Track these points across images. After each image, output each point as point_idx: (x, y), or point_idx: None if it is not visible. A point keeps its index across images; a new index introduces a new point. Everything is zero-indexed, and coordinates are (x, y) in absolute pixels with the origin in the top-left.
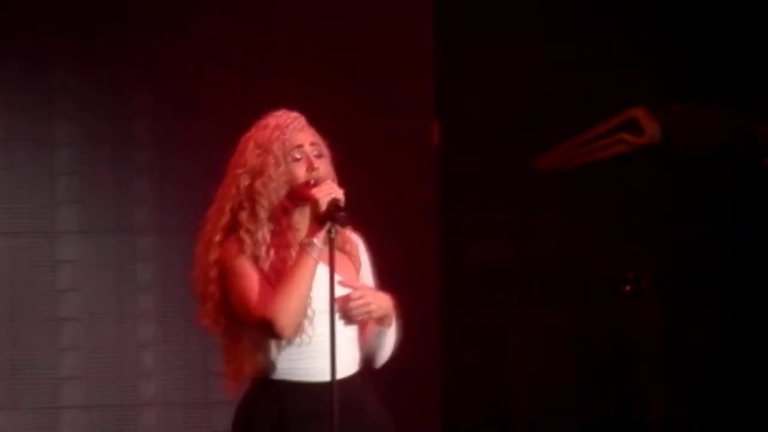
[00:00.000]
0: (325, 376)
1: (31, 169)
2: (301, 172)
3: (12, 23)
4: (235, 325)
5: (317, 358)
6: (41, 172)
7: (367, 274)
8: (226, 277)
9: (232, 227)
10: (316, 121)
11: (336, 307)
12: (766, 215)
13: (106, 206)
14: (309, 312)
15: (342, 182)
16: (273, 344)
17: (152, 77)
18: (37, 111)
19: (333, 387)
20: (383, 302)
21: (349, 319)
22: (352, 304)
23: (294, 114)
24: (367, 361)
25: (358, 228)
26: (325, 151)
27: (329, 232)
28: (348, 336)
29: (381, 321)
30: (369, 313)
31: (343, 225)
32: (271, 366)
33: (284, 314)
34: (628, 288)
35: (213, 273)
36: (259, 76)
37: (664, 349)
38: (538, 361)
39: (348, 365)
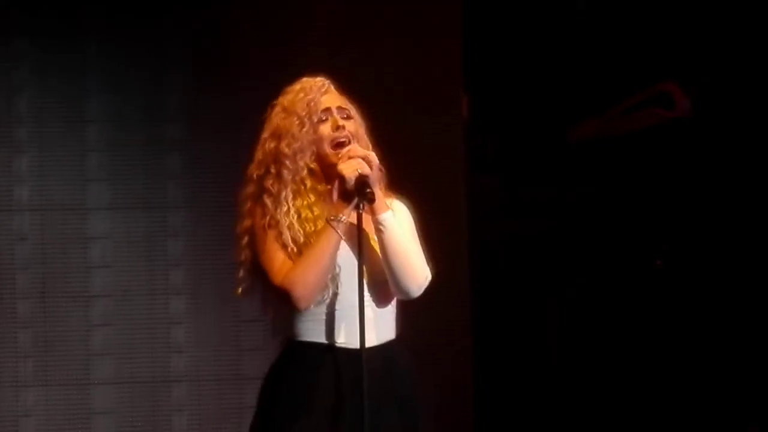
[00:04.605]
0: (353, 344)
1: (62, 146)
2: (326, 131)
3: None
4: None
5: (348, 324)
6: (72, 149)
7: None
8: (254, 242)
9: (259, 194)
10: (342, 86)
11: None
12: None
13: (136, 183)
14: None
15: (375, 145)
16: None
17: (184, 53)
18: (69, 89)
19: (362, 353)
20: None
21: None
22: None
23: (319, 78)
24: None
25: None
26: (355, 114)
27: (357, 207)
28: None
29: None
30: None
31: (371, 202)
32: (298, 328)
33: (302, 286)
34: (659, 262)
35: (245, 241)
36: (293, 52)
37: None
38: (572, 333)
39: (383, 333)
